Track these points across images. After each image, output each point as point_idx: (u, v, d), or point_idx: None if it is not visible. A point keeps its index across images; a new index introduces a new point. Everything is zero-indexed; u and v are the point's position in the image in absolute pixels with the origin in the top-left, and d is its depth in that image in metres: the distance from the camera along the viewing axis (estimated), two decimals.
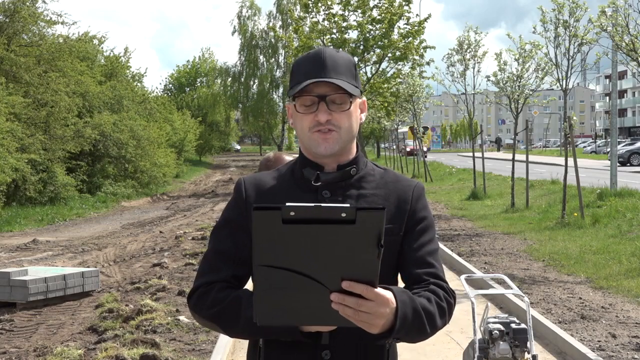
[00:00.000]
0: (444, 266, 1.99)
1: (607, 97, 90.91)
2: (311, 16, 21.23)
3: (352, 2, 20.44)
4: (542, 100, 18.85)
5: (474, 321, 4.79)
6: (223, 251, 1.91)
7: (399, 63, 21.81)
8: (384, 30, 20.35)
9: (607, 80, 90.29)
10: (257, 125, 57.83)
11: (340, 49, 1.94)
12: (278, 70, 55.44)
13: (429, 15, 20.96)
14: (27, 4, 24.20)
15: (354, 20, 20.74)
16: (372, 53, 21.02)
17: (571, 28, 13.37)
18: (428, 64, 22.24)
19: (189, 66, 69.06)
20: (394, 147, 42.04)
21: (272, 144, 70.58)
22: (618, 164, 22.48)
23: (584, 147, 61.62)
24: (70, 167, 24.59)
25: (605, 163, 31.90)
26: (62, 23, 26.06)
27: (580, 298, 8.03)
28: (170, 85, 68.71)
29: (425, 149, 23.34)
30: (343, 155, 1.92)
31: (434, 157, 47.74)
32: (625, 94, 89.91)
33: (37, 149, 21.41)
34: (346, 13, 20.67)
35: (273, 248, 1.49)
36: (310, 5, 20.78)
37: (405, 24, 20.73)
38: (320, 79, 1.83)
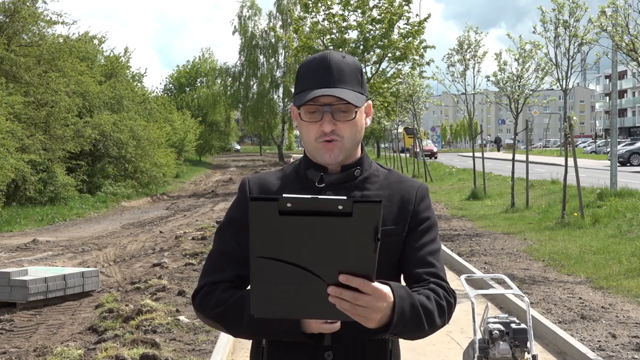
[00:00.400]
0: (444, 266, 1.99)
1: (607, 97, 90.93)
2: (311, 16, 21.23)
3: (352, 2, 20.44)
4: (542, 100, 18.85)
5: (474, 321, 4.79)
6: (227, 251, 1.92)
7: (399, 63, 21.82)
8: (384, 30, 20.35)
9: (607, 80, 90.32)
10: (257, 125, 57.80)
11: (346, 54, 1.93)
12: (278, 70, 55.41)
13: (429, 15, 20.97)
14: (27, 4, 24.20)
15: (354, 20, 20.75)
16: (372, 53, 21.02)
17: (571, 28, 13.37)
18: (428, 64, 22.24)
19: (189, 66, 69.07)
20: (394, 146, 42.12)
21: (272, 144, 70.57)
22: (618, 164, 22.48)
23: (584, 147, 61.64)
24: (70, 167, 24.59)
25: (605, 163, 31.91)
26: (62, 23, 26.07)
27: (580, 298, 8.03)
28: (170, 85, 68.73)
29: (434, 149, 23.17)
30: (348, 157, 1.93)
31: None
32: (625, 94, 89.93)
33: (37, 149, 21.41)
34: (346, 13, 20.67)
35: (270, 240, 1.48)
36: (310, 5, 20.78)
37: (405, 24, 20.74)
38: (325, 91, 1.82)
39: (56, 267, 10.24)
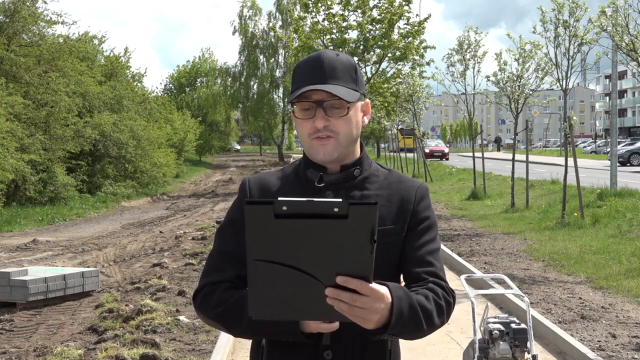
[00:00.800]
0: (444, 266, 1.99)
1: (607, 97, 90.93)
2: (311, 16, 21.22)
3: (352, 2, 20.43)
4: (542, 100, 18.84)
5: (474, 321, 4.79)
6: (227, 251, 1.93)
7: (399, 63, 21.80)
8: (384, 30, 20.33)
9: (607, 80, 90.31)
10: (257, 125, 57.79)
11: (341, 52, 1.94)
12: (278, 70, 55.40)
13: (429, 15, 20.96)
14: (27, 4, 24.20)
15: (354, 20, 20.73)
16: (372, 53, 21.00)
17: (571, 28, 13.37)
18: (428, 64, 22.23)
19: (189, 66, 69.05)
20: (389, 147, 42.24)
21: (272, 144, 70.55)
22: (618, 164, 22.48)
23: (584, 147, 61.62)
24: (70, 167, 24.60)
25: (605, 163, 31.91)
26: (62, 23, 26.06)
27: (580, 298, 8.03)
28: (170, 85, 68.72)
29: (445, 149, 22.92)
30: (347, 157, 1.93)
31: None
32: (625, 94, 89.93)
33: (37, 149, 21.41)
34: (346, 13, 20.66)
35: (266, 242, 1.49)
36: (310, 5, 20.77)
37: (405, 24, 20.72)
38: (316, 86, 1.83)
39: (56, 267, 10.24)
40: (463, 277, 5.33)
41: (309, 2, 20.72)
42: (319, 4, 20.50)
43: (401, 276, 1.94)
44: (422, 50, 21.05)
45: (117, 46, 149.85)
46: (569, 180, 14.38)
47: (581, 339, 6.42)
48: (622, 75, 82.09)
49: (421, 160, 31.15)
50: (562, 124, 17.60)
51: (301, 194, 1.91)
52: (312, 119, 1.86)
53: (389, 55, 20.97)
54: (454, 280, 8.62)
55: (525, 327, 4.57)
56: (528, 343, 4.52)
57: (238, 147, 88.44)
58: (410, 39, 20.53)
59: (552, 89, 19.40)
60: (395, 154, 39.85)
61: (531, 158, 20.24)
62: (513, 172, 17.66)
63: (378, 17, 20.35)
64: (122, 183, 27.90)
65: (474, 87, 20.61)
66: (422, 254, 1.90)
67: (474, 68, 20.18)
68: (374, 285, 1.57)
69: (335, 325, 1.72)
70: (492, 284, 8.41)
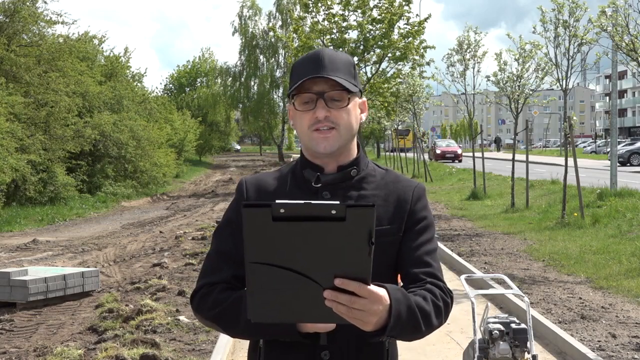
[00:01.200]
0: (443, 266, 1.99)
1: (607, 97, 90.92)
2: (311, 16, 21.21)
3: (352, 2, 20.41)
4: (542, 100, 18.84)
5: (474, 321, 4.79)
6: (225, 251, 1.93)
7: (399, 63, 21.78)
8: (384, 30, 20.31)
9: (607, 80, 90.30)
10: (257, 125, 57.79)
11: (340, 50, 1.95)
12: (278, 70, 55.39)
13: (429, 16, 20.94)
14: (27, 4, 24.19)
15: (354, 20, 20.71)
16: (372, 53, 20.98)
17: (571, 28, 13.37)
18: (428, 64, 22.21)
19: (189, 66, 69.06)
20: (385, 147, 42.33)
21: (272, 144, 70.53)
22: (618, 164, 22.48)
23: (584, 147, 61.63)
24: (70, 167, 24.59)
25: (605, 163, 31.90)
26: (62, 23, 26.03)
27: (580, 298, 8.03)
28: (170, 85, 68.72)
29: (458, 150, 22.67)
30: (343, 156, 1.93)
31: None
32: (625, 94, 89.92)
33: (37, 149, 21.41)
34: (346, 13, 20.64)
35: (264, 245, 1.49)
36: (310, 5, 20.77)
37: (405, 24, 20.70)
38: (318, 73, 1.84)
39: (56, 267, 10.23)
40: (463, 277, 5.33)
41: (309, 2, 20.71)
42: (319, 4, 20.49)
43: (398, 276, 1.94)
44: (422, 50, 21.03)
45: (117, 46, 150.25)
46: (569, 180, 14.38)
47: (581, 339, 6.42)
48: (622, 75, 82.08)
49: (421, 160, 31.15)
50: (562, 124, 17.60)
51: (298, 194, 1.91)
52: (312, 111, 1.87)
53: (389, 55, 20.95)
54: (453, 280, 8.62)
55: (525, 327, 4.57)
56: (528, 343, 4.52)
57: (238, 147, 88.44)
58: (410, 39, 20.52)
59: (552, 89, 19.40)
60: (395, 153, 39.89)
61: (531, 158, 20.24)
62: (513, 172, 17.66)
63: (378, 17, 20.33)
64: (122, 183, 27.90)
65: (474, 87, 20.62)
66: (419, 254, 1.90)
67: (474, 68, 20.19)
68: (372, 287, 1.57)
69: (332, 325, 1.72)
70: (492, 284, 8.40)
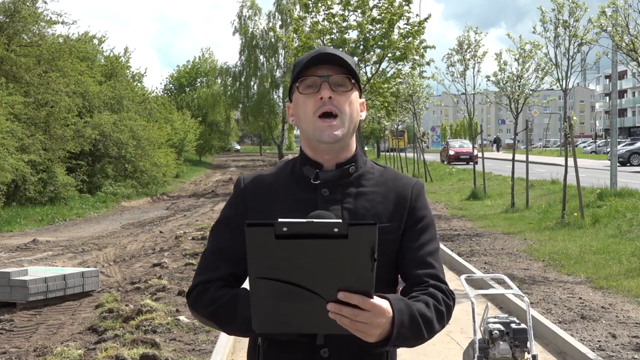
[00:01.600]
0: (444, 266, 1.99)
1: (607, 97, 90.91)
2: (311, 16, 21.20)
3: (352, 2, 20.41)
4: (542, 100, 18.84)
5: (474, 321, 4.79)
6: (221, 249, 1.93)
7: (399, 63, 21.77)
8: (384, 30, 20.31)
9: (607, 80, 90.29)
10: (257, 125, 57.76)
11: (340, 50, 1.97)
12: (278, 70, 55.36)
13: (429, 15, 20.93)
14: (27, 4, 24.19)
15: (354, 20, 20.71)
16: (372, 53, 20.98)
17: (571, 28, 13.37)
18: (428, 64, 22.21)
19: (189, 66, 69.05)
20: (382, 146, 42.54)
21: (272, 144, 70.52)
22: (618, 164, 22.48)
23: (584, 147, 61.60)
24: (70, 167, 24.59)
25: (605, 163, 31.90)
26: (62, 23, 26.03)
27: (580, 298, 8.03)
28: (170, 85, 68.71)
29: (475, 152, 22.51)
30: (342, 153, 1.93)
31: (433, 157, 47.62)
32: (625, 94, 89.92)
33: (37, 149, 21.41)
34: (346, 13, 20.64)
35: (268, 262, 1.51)
36: (310, 5, 20.77)
37: (405, 24, 20.70)
38: (322, 52, 1.88)
39: (56, 267, 10.24)
40: (463, 277, 5.33)
41: (309, 2, 20.71)
42: (319, 4, 20.49)
43: (399, 276, 1.94)
44: (422, 50, 21.02)
45: (117, 46, 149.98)
46: (569, 180, 14.38)
47: (581, 339, 6.42)
48: (622, 75, 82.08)
49: (421, 160, 31.16)
50: (562, 124, 17.60)
51: (297, 191, 1.91)
52: (317, 93, 1.87)
53: (389, 55, 20.95)
54: (454, 280, 8.62)
55: (525, 327, 4.57)
56: (528, 343, 4.52)
57: (238, 147, 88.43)
58: (410, 39, 20.51)
59: (552, 89, 19.41)
60: (394, 153, 39.94)
61: (531, 158, 20.24)
62: (513, 172, 17.66)
63: (378, 17, 20.33)
64: (122, 183, 27.91)
65: (474, 87, 20.62)
66: (421, 255, 1.90)
67: (474, 68, 20.19)
68: (376, 300, 1.59)
69: None
70: (492, 284, 8.40)
